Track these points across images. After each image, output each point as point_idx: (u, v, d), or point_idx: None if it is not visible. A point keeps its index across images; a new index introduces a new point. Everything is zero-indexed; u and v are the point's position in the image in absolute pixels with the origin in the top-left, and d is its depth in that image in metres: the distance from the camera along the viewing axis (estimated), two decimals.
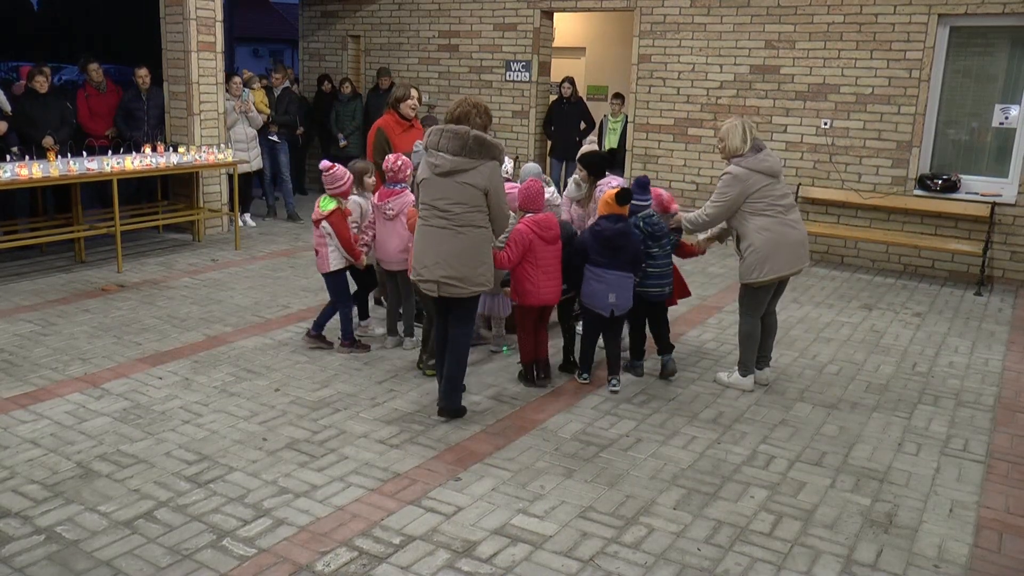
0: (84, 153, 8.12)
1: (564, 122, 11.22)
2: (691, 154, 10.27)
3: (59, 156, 7.95)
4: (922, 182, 8.90)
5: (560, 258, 5.27)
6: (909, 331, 6.94)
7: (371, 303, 6.54)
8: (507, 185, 5.31)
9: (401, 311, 6.12)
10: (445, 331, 4.88)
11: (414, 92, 6.84)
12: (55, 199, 9.01)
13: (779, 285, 5.43)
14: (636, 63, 10.44)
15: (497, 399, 5.20)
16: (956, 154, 9.00)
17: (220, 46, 9.55)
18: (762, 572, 3.48)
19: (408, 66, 12.37)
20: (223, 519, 3.72)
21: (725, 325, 6.86)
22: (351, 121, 11.45)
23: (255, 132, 10.12)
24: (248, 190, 10.38)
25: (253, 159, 10.13)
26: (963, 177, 8.77)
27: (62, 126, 8.71)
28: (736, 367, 5.55)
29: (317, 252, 5.84)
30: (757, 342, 5.45)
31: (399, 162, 5.76)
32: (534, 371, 5.41)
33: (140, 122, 9.29)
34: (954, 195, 8.71)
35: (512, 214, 5.22)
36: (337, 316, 5.94)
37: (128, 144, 9.03)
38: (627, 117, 10.78)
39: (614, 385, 5.35)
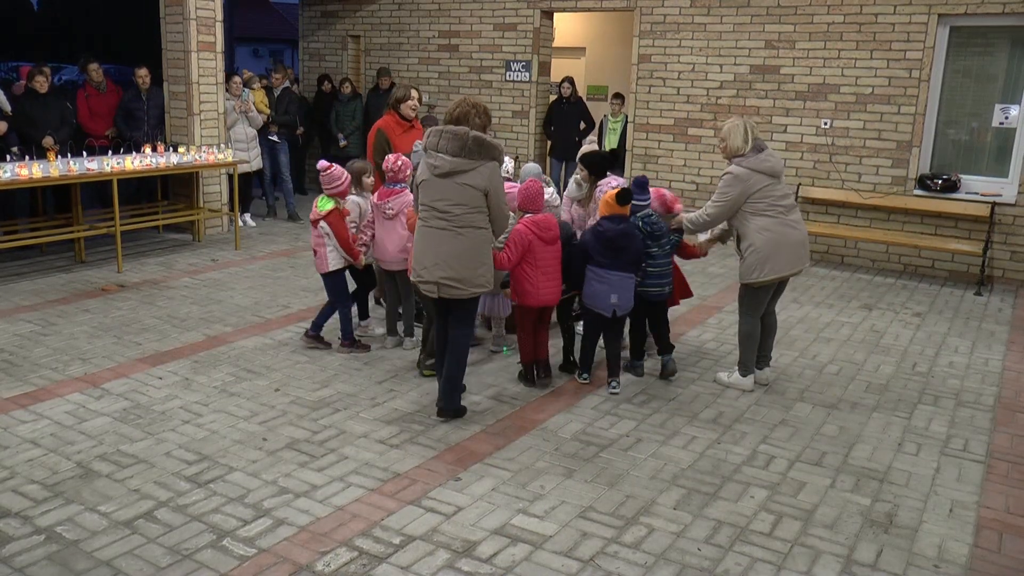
0: (84, 153, 8.12)
1: (564, 122, 11.22)
2: (691, 154, 10.27)
3: (59, 156, 7.95)
4: (922, 182, 8.90)
5: (560, 259, 5.27)
6: (909, 331, 6.94)
7: (371, 303, 6.54)
8: (507, 185, 5.31)
9: (401, 311, 6.12)
10: (445, 332, 4.87)
11: (414, 93, 6.84)
12: (55, 199, 9.01)
13: (779, 285, 5.43)
14: (636, 63, 10.45)
15: (497, 399, 5.20)
16: (956, 154, 9.00)
17: (220, 46, 9.55)
18: (762, 572, 3.48)
19: (408, 66, 12.37)
20: (223, 519, 3.72)
21: (725, 325, 6.86)
22: (351, 121, 11.45)
23: (255, 132, 10.13)
24: (248, 190, 10.38)
25: (253, 159, 10.14)
26: (963, 177, 8.77)
27: (62, 126, 8.71)
28: (736, 367, 5.55)
29: (315, 252, 5.84)
30: (757, 342, 5.45)
31: (399, 162, 5.76)
32: (534, 371, 5.41)
33: (140, 122, 9.29)
34: (954, 195, 8.71)
35: (511, 214, 5.21)
36: (335, 316, 5.94)
37: (128, 144, 9.03)
38: (627, 117, 10.78)
39: (614, 387, 5.35)
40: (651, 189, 5.72)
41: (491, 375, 5.60)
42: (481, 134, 4.59)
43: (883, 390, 5.59)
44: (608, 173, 6.04)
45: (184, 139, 9.36)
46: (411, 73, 12.29)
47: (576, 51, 13.70)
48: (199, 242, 9.37)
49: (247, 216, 10.32)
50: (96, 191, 9.39)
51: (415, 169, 5.20)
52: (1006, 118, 8.60)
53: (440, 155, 4.56)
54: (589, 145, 7.17)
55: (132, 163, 8.09)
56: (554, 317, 5.75)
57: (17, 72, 19.79)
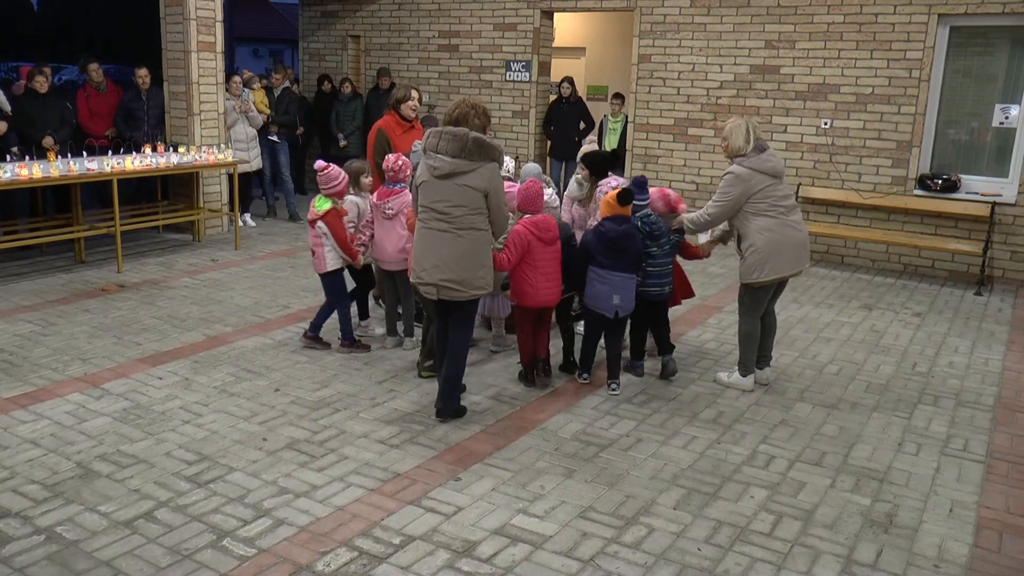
0: (84, 153, 8.12)
1: (564, 122, 11.22)
2: (691, 154, 10.27)
3: (59, 156, 7.94)
4: (922, 182, 8.90)
5: (559, 259, 5.26)
6: (909, 331, 6.94)
7: (371, 303, 6.54)
8: (507, 185, 5.31)
9: (400, 311, 6.12)
10: (445, 333, 4.87)
11: (414, 93, 6.84)
12: (55, 199, 9.01)
13: (779, 285, 5.43)
14: (636, 63, 10.45)
15: (497, 399, 5.20)
16: (956, 154, 9.00)
17: (220, 46, 9.55)
18: (762, 572, 3.48)
19: (408, 66, 12.37)
20: (223, 519, 3.72)
21: (725, 325, 6.86)
22: (351, 121, 11.46)
23: (255, 132, 10.13)
24: (248, 190, 10.38)
25: (253, 159, 10.14)
26: (963, 177, 8.77)
27: (62, 126, 8.71)
28: (736, 367, 5.55)
29: (313, 252, 5.84)
30: (757, 342, 5.45)
31: (399, 162, 5.76)
32: (534, 371, 5.41)
33: (140, 122, 9.29)
34: (954, 195, 8.71)
35: (511, 215, 5.21)
36: (334, 317, 5.94)
37: (128, 144, 9.03)
38: (627, 117, 10.78)
39: (614, 389, 5.34)
40: (655, 189, 5.73)
41: (491, 375, 5.60)
42: (481, 135, 4.59)
43: (883, 390, 5.59)
44: (609, 173, 6.04)
45: (184, 139, 9.37)
46: (411, 73, 12.30)
47: (576, 51, 13.70)
48: (199, 242, 9.37)
49: (247, 216, 10.32)
50: (96, 191, 9.39)
51: (415, 169, 5.20)
52: (1006, 118, 8.60)
53: (440, 156, 4.55)
54: (589, 145, 7.17)
55: (132, 163, 8.09)
56: (554, 317, 5.75)
57: (17, 72, 19.80)
